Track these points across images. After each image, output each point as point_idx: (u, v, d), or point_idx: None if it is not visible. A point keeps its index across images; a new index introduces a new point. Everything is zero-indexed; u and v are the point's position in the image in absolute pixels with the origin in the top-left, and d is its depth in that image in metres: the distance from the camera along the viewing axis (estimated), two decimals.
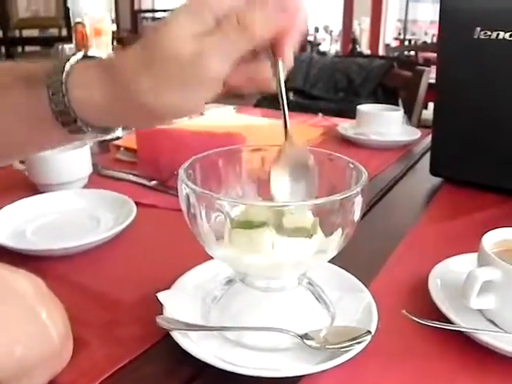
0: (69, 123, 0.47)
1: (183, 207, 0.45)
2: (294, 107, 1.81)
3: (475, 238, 0.53)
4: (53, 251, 0.64)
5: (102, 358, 0.47)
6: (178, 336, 0.45)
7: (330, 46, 7.49)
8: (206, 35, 0.41)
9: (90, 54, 0.49)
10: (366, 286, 0.54)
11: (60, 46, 1.09)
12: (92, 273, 0.62)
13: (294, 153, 0.47)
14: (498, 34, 0.80)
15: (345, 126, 1.26)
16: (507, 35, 0.79)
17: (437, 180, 0.94)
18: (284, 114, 0.46)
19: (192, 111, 0.46)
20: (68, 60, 0.47)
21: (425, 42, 6.74)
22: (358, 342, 0.44)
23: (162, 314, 0.49)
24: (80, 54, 0.48)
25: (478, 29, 0.81)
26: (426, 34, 8.46)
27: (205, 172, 0.49)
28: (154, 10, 7.40)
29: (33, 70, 0.49)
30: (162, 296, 0.50)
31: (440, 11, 0.85)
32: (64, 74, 0.46)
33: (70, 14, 1.08)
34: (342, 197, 0.41)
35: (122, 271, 0.62)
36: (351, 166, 0.48)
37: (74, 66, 0.47)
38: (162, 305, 0.50)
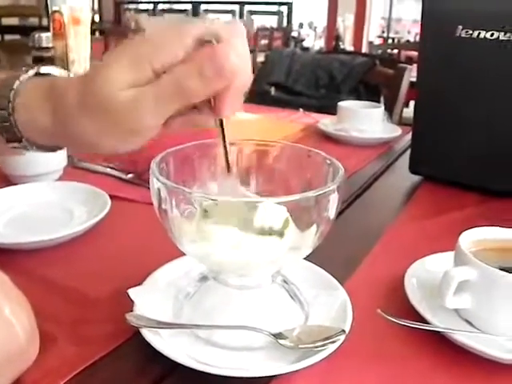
0: (13, 141, 0.47)
1: (154, 202, 0.44)
2: (274, 102, 1.81)
3: (453, 236, 0.52)
4: (22, 245, 0.62)
5: (71, 355, 0.46)
6: (147, 334, 0.44)
7: (314, 42, 7.51)
8: (143, 86, 0.41)
9: (42, 71, 0.49)
10: (341, 284, 0.53)
11: (37, 35, 1.07)
12: (62, 268, 0.60)
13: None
14: (479, 33, 0.80)
15: (325, 122, 1.25)
16: (488, 34, 0.79)
17: (416, 178, 0.94)
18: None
19: (131, 149, 0.46)
20: (19, 77, 0.46)
21: (408, 41, 6.77)
22: (332, 342, 0.44)
23: (132, 311, 0.47)
24: (32, 72, 0.47)
25: (460, 27, 0.81)
26: (409, 32, 8.52)
27: (178, 166, 0.48)
28: (137, 2, 7.34)
29: None
30: (132, 292, 0.49)
31: (422, 9, 0.85)
32: (12, 92, 0.45)
33: (48, 2, 1.05)
34: (317, 193, 0.41)
35: (94, 266, 0.61)
36: (328, 162, 0.47)
37: (23, 84, 0.46)
38: (133, 301, 0.48)
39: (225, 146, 0.45)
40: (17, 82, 0.46)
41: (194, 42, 0.41)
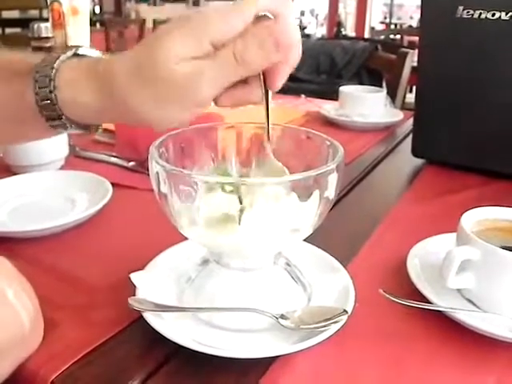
0: (53, 118, 0.47)
1: (154, 186, 0.44)
2: None
3: (456, 218, 0.52)
4: (26, 233, 0.63)
5: (74, 340, 0.46)
6: (150, 317, 0.44)
7: (316, 30, 7.46)
8: (201, 59, 0.41)
9: (80, 52, 0.49)
10: (344, 266, 0.53)
11: (36, 25, 1.07)
12: (65, 254, 0.61)
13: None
14: (480, 14, 0.79)
15: (327, 107, 1.24)
16: (489, 14, 0.78)
17: (419, 161, 0.93)
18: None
19: (182, 124, 0.47)
20: (58, 57, 0.46)
21: (410, 26, 6.72)
22: (335, 322, 0.44)
23: (135, 295, 0.48)
24: (70, 52, 0.48)
25: (461, 8, 0.81)
26: (411, 18, 8.45)
27: (178, 150, 0.48)
28: None
29: (18, 61, 0.48)
30: (135, 277, 0.49)
31: None
32: (54, 71, 0.45)
33: None
34: (317, 173, 0.40)
35: (96, 253, 0.61)
36: (328, 143, 0.47)
37: (65, 62, 0.46)
38: (135, 286, 0.48)
39: (267, 118, 0.47)
40: (57, 61, 0.46)
41: (254, 17, 0.42)
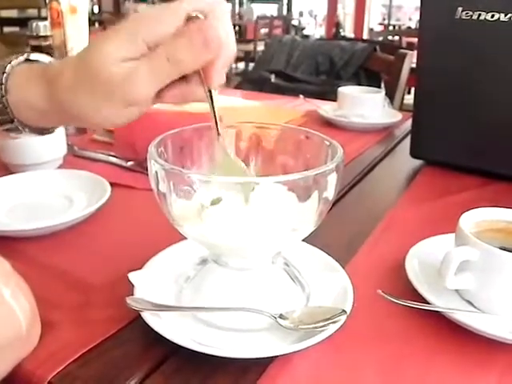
0: (5, 122, 0.49)
1: (153, 185, 0.44)
2: (275, 89, 1.79)
3: (454, 219, 0.52)
4: (23, 232, 0.62)
5: (72, 339, 0.46)
6: (148, 317, 0.44)
7: (315, 30, 7.47)
8: (136, 60, 0.43)
9: (32, 57, 0.51)
10: (342, 266, 0.53)
11: (34, 24, 1.06)
12: (63, 254, 0.61)
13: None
14: (479, 15, 0.79)
15: (326, 108, 1.24)
16: (489, 16, 0.78)
17: (417, 162, 0.93)
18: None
19: (125, 123, 0.48)
20: (10, 62, 0.49)
21: (409, 27, 6.73)
22: (333, 322, 0.44)
23: (133, 294, 0.47)
24: (22, 58, 0.50)
25: (460, 9, 0.80)
26: (410, 19, 8.47)
27: (177, 149, 0.48)
28: None
29: None
30: (133, 276, 0.49)
31: None
32: (5, 75, 0.48)
33: None
34: (316, 173, 0.40)
35: (95, 252, 0.61)
36: (327, 143, 0.47)
37: (15, 68, 0.49)
38: (133, 285, 0.48)
39: (214, 116, 0.47)
40: (8, 66, 0.48)
41: (185, 18, 0.43)
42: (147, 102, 0.45)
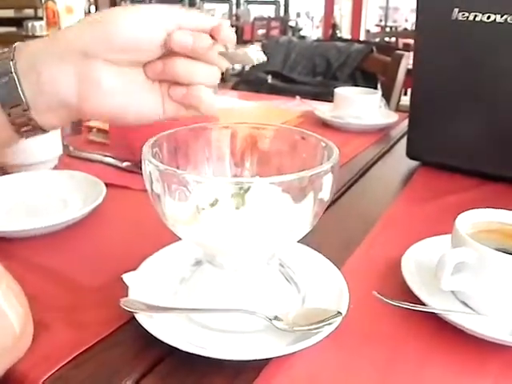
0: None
1: (147, 185, 0.43)
2: (271, 90, 1.79)
3: (450, 220, 0.52)
4: (17, 233, 0.62)
5: (65, 341, 0.45)
6: (142, 319, 0.44)
7: (312, 32, 7.48)
8: None
9: None
10: (338, 267, 0.53)
11: (30, 23, 1.06)
12: (57, 255, 0.60)
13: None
14: (475, 16, 0.79)
15: (322, 108, 1.24)
16: (485, 17, 0.78)
17: (413, 163, 0.93)
18: None
19: None
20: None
21: (405, 29, 6.74)
22: (329, 324, 0.43)
23: (127, 296, 0.47)
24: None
25: (456, 10, 0.80)
26: (406, 21, 8.49)
27: (172, 150, 0.47)
28: None
29: None
30: (127, 278, 0.48)
31: None
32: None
33: None
34: (312, 173, 0.40)
35: (89, 253, 0.61)
36: (323, 144, 0.47)
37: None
38: (127, 287, 0.48)
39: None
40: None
41: None
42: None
